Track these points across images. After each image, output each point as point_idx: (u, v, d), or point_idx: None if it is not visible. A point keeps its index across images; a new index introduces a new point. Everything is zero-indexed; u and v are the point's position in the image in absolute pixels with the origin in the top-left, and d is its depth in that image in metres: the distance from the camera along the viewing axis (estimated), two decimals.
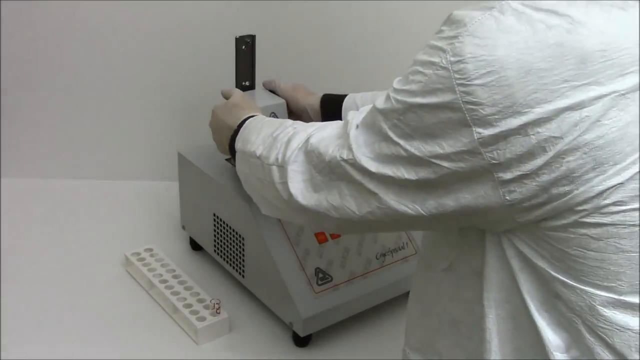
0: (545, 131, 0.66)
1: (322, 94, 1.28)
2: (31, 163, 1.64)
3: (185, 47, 1.57)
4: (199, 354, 1.17)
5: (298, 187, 0.87)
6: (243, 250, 1.24)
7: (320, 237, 1.21)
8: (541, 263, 0.72)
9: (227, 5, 1.48)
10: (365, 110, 0.82)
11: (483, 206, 0.71)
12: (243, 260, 1.25)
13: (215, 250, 1.33)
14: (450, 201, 0.73)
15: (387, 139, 0.75)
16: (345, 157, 0.80)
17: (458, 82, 0.67)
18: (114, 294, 1.30)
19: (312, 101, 1.28)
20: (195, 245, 1.42)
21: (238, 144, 1.05)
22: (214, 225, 1.31)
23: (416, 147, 0.72)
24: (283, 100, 1.30)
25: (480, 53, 0.66)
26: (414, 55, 0.74)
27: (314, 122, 0.94)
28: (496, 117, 0.66)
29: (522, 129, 0.66)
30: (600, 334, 0.71)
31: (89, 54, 1.56)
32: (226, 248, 1.29)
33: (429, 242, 0.88)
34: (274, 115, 1.27)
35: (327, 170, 0.83)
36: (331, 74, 1.61)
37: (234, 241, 1.26)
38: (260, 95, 1.30)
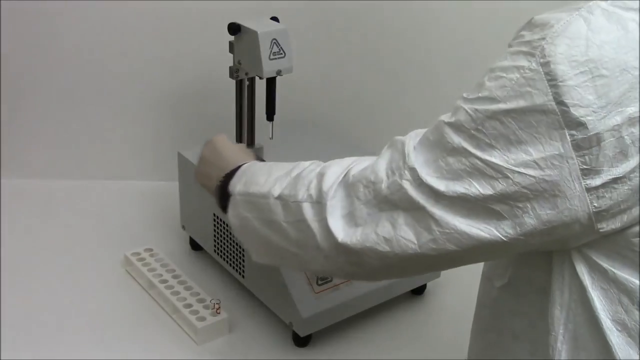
0: (638, 131, 0.65)
1: None
2: (31, 163, 1.64)
3: (185, 47, 1.57)
4: (199, 354, 1.17)
5: (338, 223, 0.80)
6: (243, 250, 1.24)
7: None
8: (624, 273, 0.70)
9: (228, 5, 1.48)
10: (419, 133, 0.77)
11: (568, 219, 0.68)
12: (243, 260, 1.25)
13: (215, 250, 1.33)
14: (530, 219, 0.68)
15: (457, 152, 0.70)
16: (409, 178, 0.74)
17: (550, 83, 0.65)
18: (114, 294, 1.30)
19: None
20: (195, 245, 1.42)
21: (237, 187, 0.95)
22: (214, 225, 1.30)
23: (497, 157, 0.68)
24: (285, 27, 1.22)
25: (572, 53, 0.65)
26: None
27: (345, 158, 0.87)
28: (590, 118, 0.64)
29: (616, 130, 0.65)
30: None
31: (89, 54, 1.56)
32: (226, 248, 1.29)
33: None
34: (275, 42, 1.20)
35: (379, 200, 0.77)
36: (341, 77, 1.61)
37: (234, 241, 1.26)
38: (260, 20, 1.24)
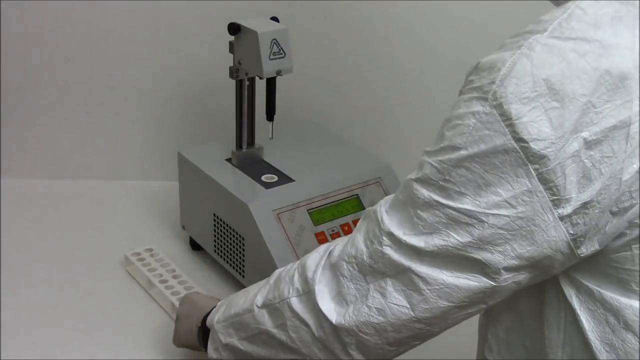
0: (597, 153, 0.66)
1: None
2: (31, 163, 1.64)
3: (185, 48, 1.57)
4: (199, 354, 1.17)
5: (330, 306, 0.80)
6: (243, 250, 1.24)
7: (320, 238, 1.21)
8: (610, 292, 0.71)
9: (227, 5, 1.48)
10: (388, 199, 0.79)
11: (549, 251, 0.69)
12: (243, 260, 1.25)
13: (215, 250, 1.33)
14: (513, 260, 0.70)
15: (429, 206, 0.72)
16: (388, 243, 0.75)
17: (506, 123, 0.67)
18: (114, 294, 1.30)
19: None
20: (195, 245, 1.42)
21: (215, 317, 0.96)
22: (214, 225, 1.31)
23: (469, 203, 0.70)
24: (285, 27, 1.21)
25: (521, 91, 0.67)
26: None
27: (320, 245, 0.88)
28: (550, 150, 0.66)
29: (575, 156, 0.66)
30: None
31: (88, 54, 1.56)
32: (226, 248, 1.29)
33: None
34: (275, 42, 1.20)
35: (364, 272, 0.77)
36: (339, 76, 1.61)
37: (234, 241, 1.26)
38: (260, 20, 1.23)
